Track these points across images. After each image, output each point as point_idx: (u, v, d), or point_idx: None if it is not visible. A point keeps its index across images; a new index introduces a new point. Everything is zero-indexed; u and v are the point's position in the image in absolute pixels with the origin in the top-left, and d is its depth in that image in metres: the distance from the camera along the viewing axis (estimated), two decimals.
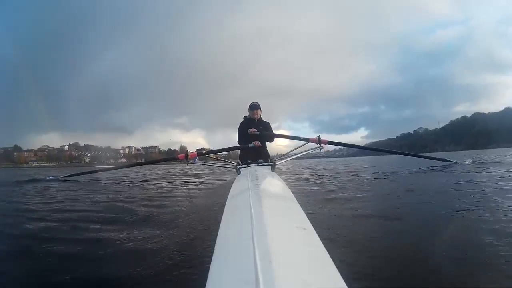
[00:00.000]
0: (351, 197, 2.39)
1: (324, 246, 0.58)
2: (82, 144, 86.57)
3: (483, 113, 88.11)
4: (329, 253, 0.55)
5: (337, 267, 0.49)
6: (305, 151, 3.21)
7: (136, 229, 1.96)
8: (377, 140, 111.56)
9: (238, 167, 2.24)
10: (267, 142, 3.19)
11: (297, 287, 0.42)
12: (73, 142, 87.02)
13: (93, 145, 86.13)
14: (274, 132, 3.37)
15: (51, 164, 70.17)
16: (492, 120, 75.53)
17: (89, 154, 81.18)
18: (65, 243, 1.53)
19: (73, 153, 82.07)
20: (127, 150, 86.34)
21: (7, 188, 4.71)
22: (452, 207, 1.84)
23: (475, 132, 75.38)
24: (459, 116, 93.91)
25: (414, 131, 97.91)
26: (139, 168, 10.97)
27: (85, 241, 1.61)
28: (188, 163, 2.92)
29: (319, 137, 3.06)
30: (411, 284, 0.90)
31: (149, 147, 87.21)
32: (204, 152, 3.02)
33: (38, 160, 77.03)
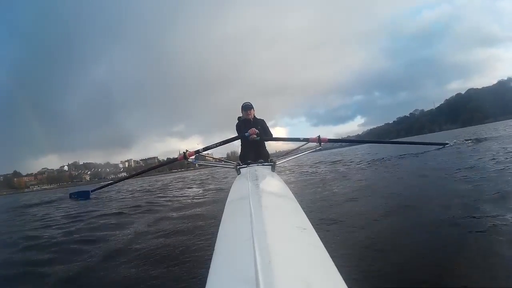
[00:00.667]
0: None
1: (324, 246, 0.58)
2: (81, 163, 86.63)
3: (477, 88, 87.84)
4: (329, 253, 0.55)
5: (337, 267, 0.49)
6: (305, 150, 3.23)
7: (136, 230, 1.96)
8: (374, 126, 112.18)
9: (238, 167, 2.23)
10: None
11: (297, 287, 0.42)
12: (72, 162, 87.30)
13: (92, 163, 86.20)
14: (271, 130, 3.39)
15: (52, 186, 69.93)
16: (487, 95, 75.09)
17: (89, 172, 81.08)
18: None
19: (72, 172, 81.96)
20: (127, 163, 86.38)
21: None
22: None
23: (471, 108, 75.13)
24: (454, 94, 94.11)
25: (410, 113, 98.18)
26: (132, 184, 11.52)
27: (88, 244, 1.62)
28: (187, 162, 2.91)
29: (319, 136, 3.07)
30: None
31: (148, 158, 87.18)
32: (201, 149, 2.98)
33: (38, 183, 76.77)
